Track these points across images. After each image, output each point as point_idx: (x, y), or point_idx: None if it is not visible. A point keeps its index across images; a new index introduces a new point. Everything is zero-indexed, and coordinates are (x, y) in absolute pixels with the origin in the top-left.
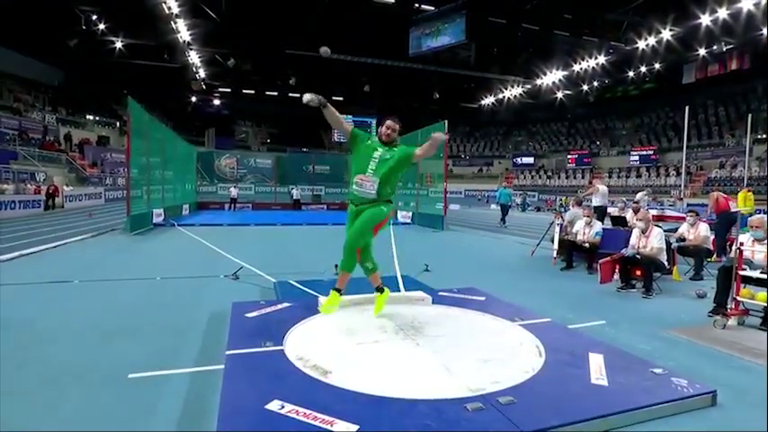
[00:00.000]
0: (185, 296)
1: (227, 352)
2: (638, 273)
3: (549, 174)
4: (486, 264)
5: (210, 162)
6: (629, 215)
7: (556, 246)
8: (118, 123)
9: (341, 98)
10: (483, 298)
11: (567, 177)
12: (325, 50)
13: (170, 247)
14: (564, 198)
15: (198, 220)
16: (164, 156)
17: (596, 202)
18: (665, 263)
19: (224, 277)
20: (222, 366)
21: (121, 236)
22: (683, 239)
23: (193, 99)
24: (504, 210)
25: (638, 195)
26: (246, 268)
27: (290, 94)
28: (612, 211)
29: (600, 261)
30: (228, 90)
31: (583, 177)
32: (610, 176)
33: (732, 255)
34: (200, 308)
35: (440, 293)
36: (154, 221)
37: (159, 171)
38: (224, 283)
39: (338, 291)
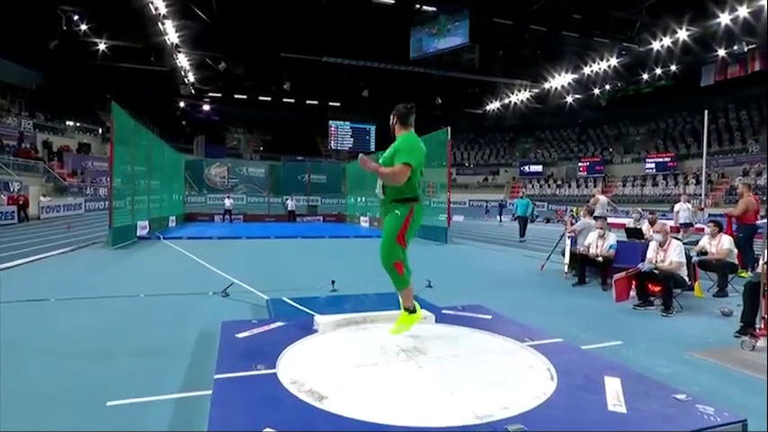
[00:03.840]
0: (171, 315)
1: (216, 376)
2: (657, 289)
3: (559, 183)
4: (492, 279)
5: (200, 171)
6: (644, 227)
7: (567, 260)
8: (100, 130)
9: (338, 103)
10: (490, 316)
11: (577, 186)
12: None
13: (155, 262)
14: (575, 208)
15: (185, 233)
16: (149, 164)
17: (595, 212)
18: (686, 278)
19: (213, 294)
20: (210, 392)
21: (103, 250)
22: (705, 253)
23: (182, 104)
24: (522, 223)
25: (677, 206)
26: (237, 284)
27: (285, 100)
28: (628, 222)
29: (615, 276)
30: (219, 95)
31: (595, 186)
32: (624, 185)
33: (759, 269)
34: (186, 328)
35: (443, 311)
36: (138, 234)
37: (144, 180)
38: (213, 300)
39: (408, 310)
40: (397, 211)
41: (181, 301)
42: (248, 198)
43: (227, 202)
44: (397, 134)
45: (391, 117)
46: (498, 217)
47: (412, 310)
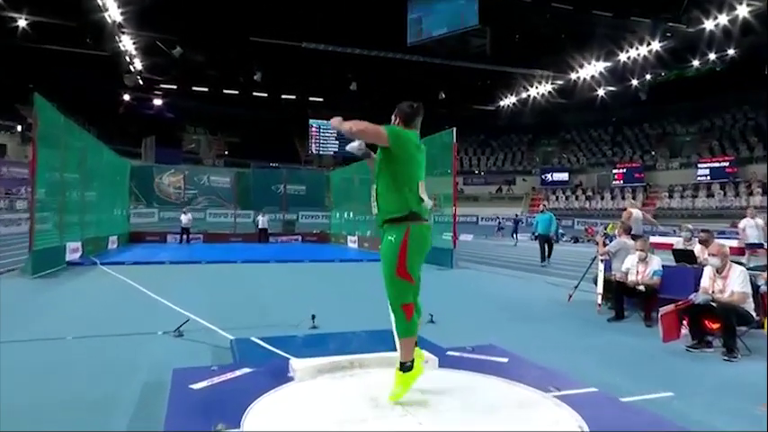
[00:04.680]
0: (107, 362)
1: None
2: (716, 326)
3: (590, 194)
4: (508, 312)
5: (149, 180)
6: (697, 249)
7: (600, 289)
8: (19, 127)
9: (320, 99)
10: (505, 359)
11: (612, 198)
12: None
13: (89, 295)
14: (609, 225)
15: (129, 257)
16: (84, 171)
17: (633, 229)
18: (753, 313)
19: (163, 334)
20: None
21: (19, 279)
22: None
23: (126, 97)
24: (544, 243)
25: (743, 222)
26: (194, 321)
27: (255, 94)
28: (676, 242)
29: (661, 310)
30: (174, 87)
31: (634, 198)
32: (670, 196)
33: None
34: (127, 378)
35: (448, 353)
36: (68, 259)
37: (77, 191)
38: (163, 342)
39: (405, 367)
40: (389, 237)
41: (121, 344)
42: (210, 213)
43: (184, 219)
44: None
45: (393, 117)
46: (513, 236)
47: (410, 367)
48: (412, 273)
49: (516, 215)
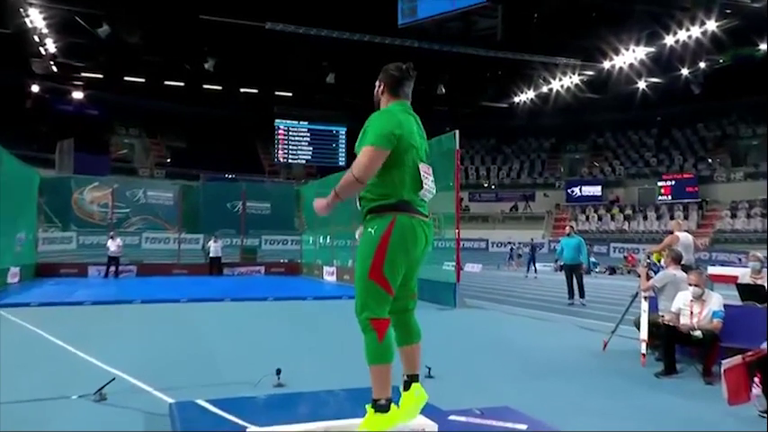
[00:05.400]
0: None
1: None
2: None
3: (629, 212)
4: (527, 365)
5: (65, 195)
6: None
7: (644, 334)
8: None
9: (289, 93)
10: (524, 426)
11: (657, 218)
12: None
13: None
14: (654, 252)
15: (36, 297)
16: None
17: (683, 258)
18: None
19: (79, 398)
20: None
21: None
22: None
23: (35, 89)
24: (572, 275)
25: None
26: (122, 380)
27: (207, 86)
28: (742, 275)
29: (724, 363)
30: (100, 76)
31: (686, 217)
32: (733, 215)
33: None
34: None
35: (451, 418)
36: None
37: None
38: (79, 409)
39: (377, 405)
40: (369, 229)
41: (19, 413)
42: (146, 239)
43: (112, 246)
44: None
45: (377, 84)
46: (530, 266)
47: (384, 407)
48: (390, 279)
49: (533, 239)
